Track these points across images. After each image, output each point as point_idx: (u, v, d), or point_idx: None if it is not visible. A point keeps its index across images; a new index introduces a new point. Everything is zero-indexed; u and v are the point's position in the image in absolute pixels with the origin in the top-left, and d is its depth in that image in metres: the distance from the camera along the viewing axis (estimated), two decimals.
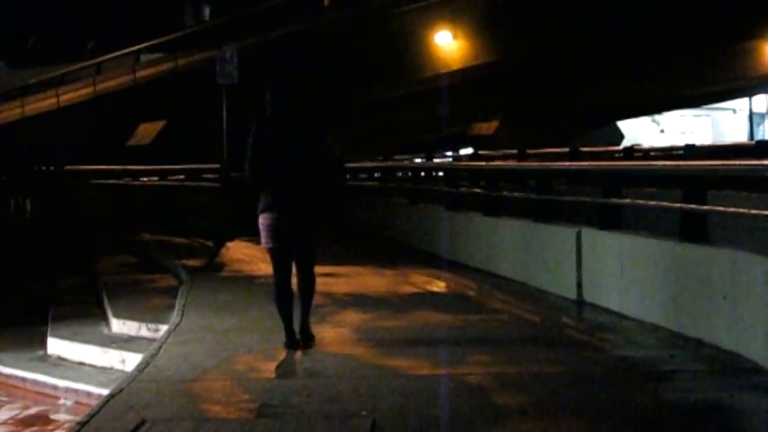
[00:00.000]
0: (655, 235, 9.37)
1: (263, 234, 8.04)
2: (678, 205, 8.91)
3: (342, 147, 26.33)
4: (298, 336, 8.15)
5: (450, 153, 33.79)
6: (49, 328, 12.23)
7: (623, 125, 42.34)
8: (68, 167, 27.74)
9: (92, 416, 6.28)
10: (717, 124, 53.29)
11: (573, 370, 7.32)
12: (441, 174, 18.75)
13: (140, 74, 31.81)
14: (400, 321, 9.56)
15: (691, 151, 12.55)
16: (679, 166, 9.72)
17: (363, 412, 6.20)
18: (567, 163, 16.91)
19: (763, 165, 8.51)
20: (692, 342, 8.06)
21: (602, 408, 6.29)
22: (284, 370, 7.71)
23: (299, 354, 8.06)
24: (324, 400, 6.53)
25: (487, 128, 36.15)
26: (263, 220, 8.00)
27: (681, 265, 8.49)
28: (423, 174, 19.05)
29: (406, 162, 23.00)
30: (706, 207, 8.61)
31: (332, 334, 8.93)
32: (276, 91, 8.02)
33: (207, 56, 26.82)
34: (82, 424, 6.10)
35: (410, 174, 19.66)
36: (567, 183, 15.74)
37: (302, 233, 8.01)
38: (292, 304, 8.13)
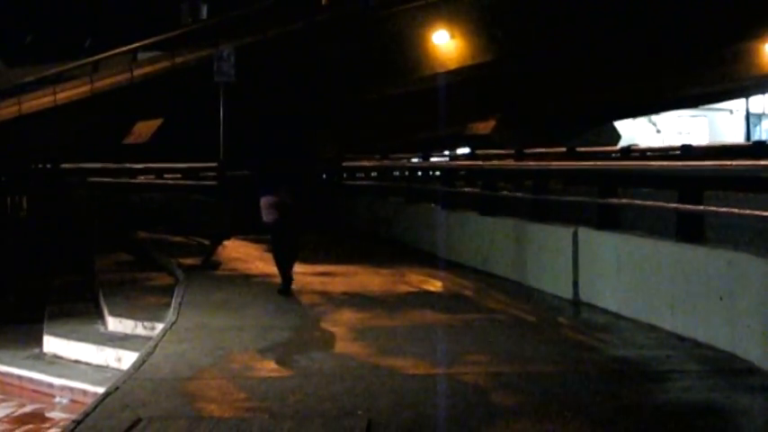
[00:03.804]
0: (651, 235, 9.37)
1: (263, 211, 10.78)
2: (674, 205, 8.91)
3: (335, 147, 26.34)
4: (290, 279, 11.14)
5: (447, 152, 33.80)
6: (45, 326, 12.24)
7: (620, 125, 42.36)
8: (65, 165, 27.68)
9: (87, 414, 6.27)
10: (714, 125, 53.35)
11: (569, 369, 7.33)
12: (437, 173, 18.71)
13: (137, 72, 31.78)
14: (396, 321, 9.56)
15: (687, 152, 12.58)
16: (675, 166, 9.73)
17: (359, 411, 6.21)
18: (564, 163, 16.92)
19: (760, 165, 8.51)
20: (688, 342, 8.07)
21: (597, 408, 6.30)
22: (280, 368, 7.70)
23: (294, 353, 8.08)
24: (319, 399, 6.53)
25: (484, 127, 36.15)
26: (264, 201, 10.76)
27: (677, 265, 8.50)
28: (420, 173, 19.02)
29: (403, 161, 22.97)
30: (702, 207, 8.61)
31: (328, 333, 8.94)
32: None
33: (204, 54, 26.80)
34: (77, 422, 6.09)
35: (407, 173, 19.62)
36: (563, 182, 15.73)
37: (290, 212, 10.78)
38: (286, 260, 11.07)
